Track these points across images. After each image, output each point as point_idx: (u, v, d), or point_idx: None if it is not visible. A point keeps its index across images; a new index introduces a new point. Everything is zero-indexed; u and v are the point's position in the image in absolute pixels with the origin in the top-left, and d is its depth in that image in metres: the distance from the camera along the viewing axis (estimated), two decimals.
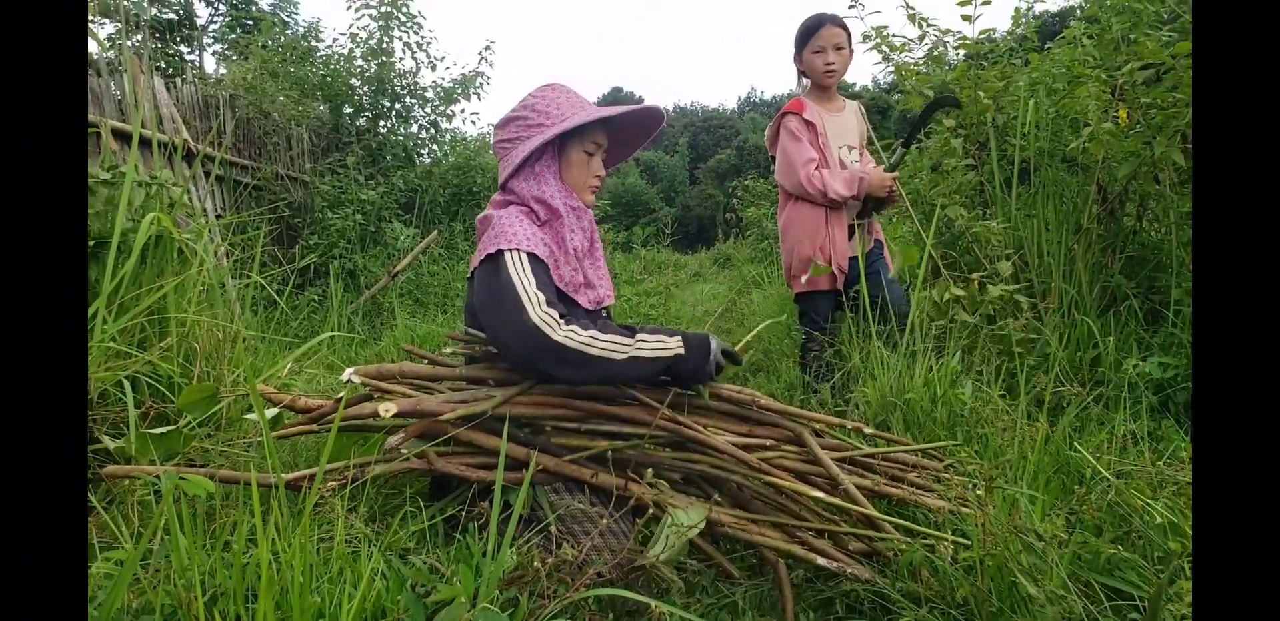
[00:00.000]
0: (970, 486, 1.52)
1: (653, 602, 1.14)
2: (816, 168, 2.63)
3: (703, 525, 1.44)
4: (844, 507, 1.53)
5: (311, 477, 1.37)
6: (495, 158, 2.03)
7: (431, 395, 1.56)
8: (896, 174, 2.60)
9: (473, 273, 1.65)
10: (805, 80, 2.79)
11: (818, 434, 1.75)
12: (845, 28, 2.67)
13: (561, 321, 1.50)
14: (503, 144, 1.75)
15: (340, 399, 1.50)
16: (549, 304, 1.52)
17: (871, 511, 1.51)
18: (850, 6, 3.13)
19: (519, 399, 1.54)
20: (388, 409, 1.43)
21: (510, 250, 1.58)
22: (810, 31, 2.65)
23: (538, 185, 1.72)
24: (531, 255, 1.59)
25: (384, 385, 1.56)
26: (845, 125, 2.74)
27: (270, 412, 1.53)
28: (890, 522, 1.50)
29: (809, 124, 2.68)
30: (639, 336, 1.54)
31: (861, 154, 2.78)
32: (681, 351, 1.54)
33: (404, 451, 1.46)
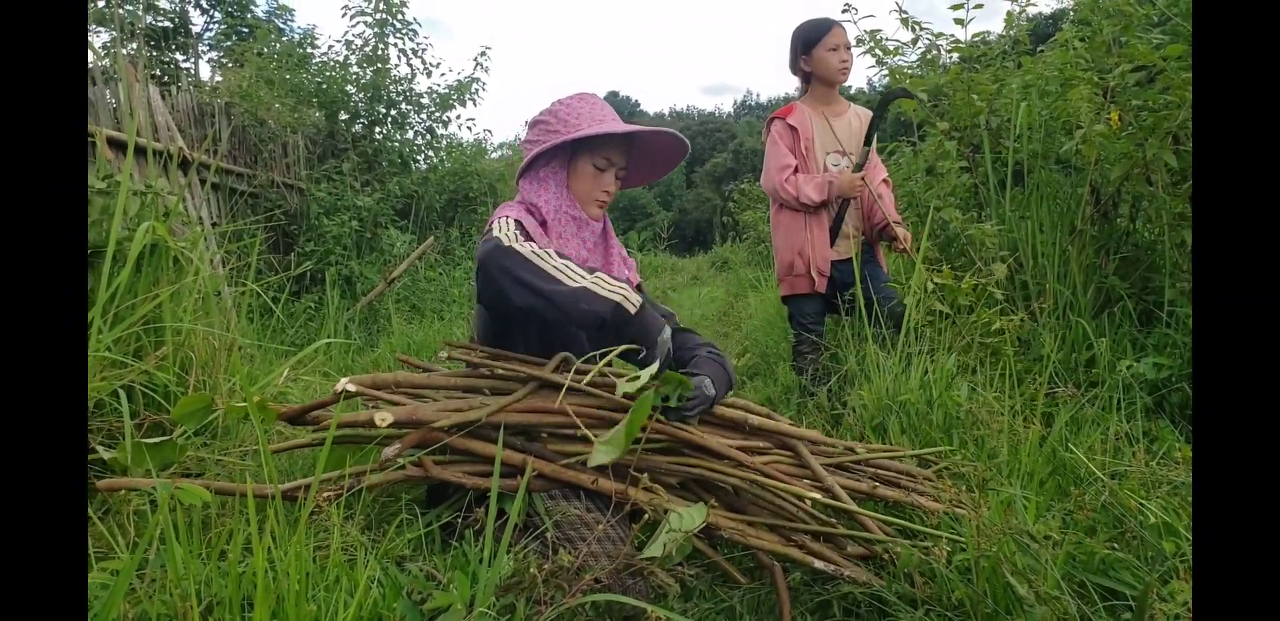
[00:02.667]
0: (965, 488, 1.53)
1: (649, 607, 1.15)
2: (793, 173, 2.66)
3: (703, 525, 1.44)
4: (840, 511, 1.54)
5: (307, 488, 1.37)
6: (501, 161, 2.07)
7: (427, 404, 1.56)
8: (864, 174, 2.61)
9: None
10: (806, 84, 2.80)
11: (813, 441, 1.76)
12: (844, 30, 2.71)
13: (522, 239, 1.55)
14: (526, 145, 1.80)
15: (334, 399, 1.50)
16: (517, 231, 1.58)
17: (854, 506, 1.52)
18: (844, 10, 3.14)
19: (514, 406, 1.54)
20: (384, 418, 1.43)
21: (500, 219, 1.65)
22: (821, 31, 2.67)
23: (537, 189, 1.76)
24: (518, 221, 1.66)
25: (380, 394, 1.56)
26: (844, 129, 2.74)
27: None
28: (885, 522, 1.51)
29: (792, 129, 2.71)
30: (598, 273, 1.54)
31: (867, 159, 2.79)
32: (632, 307, 1.52)
33: (400, 461, 1.46)
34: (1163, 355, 2.22)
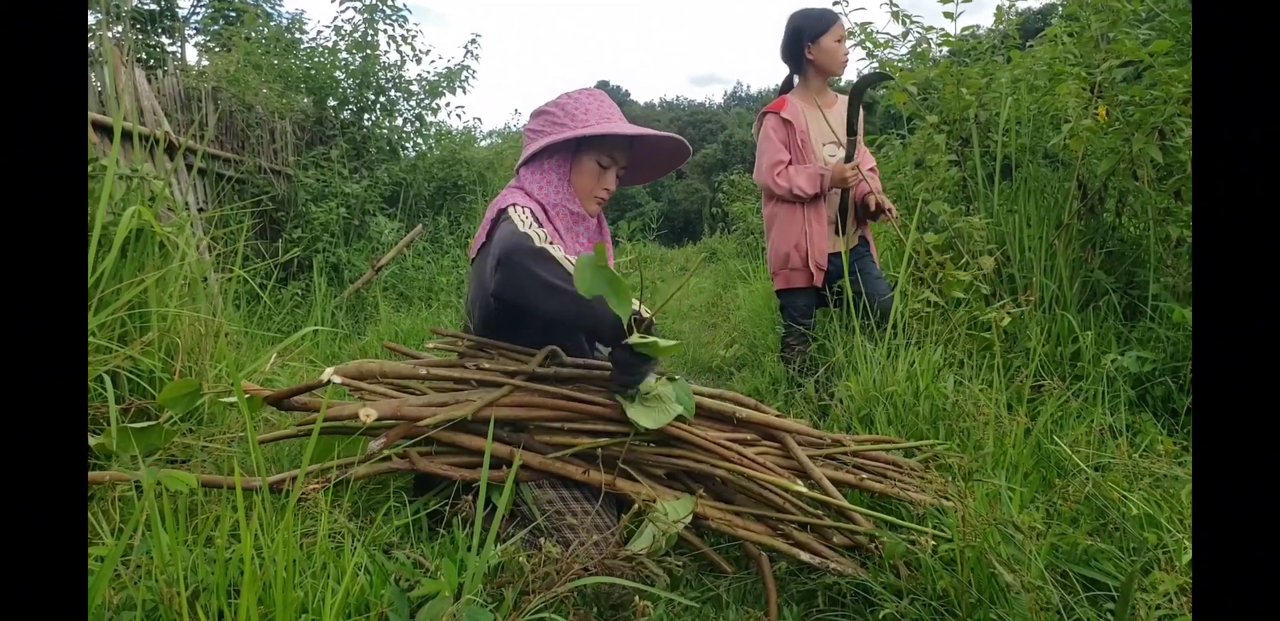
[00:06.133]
0: (950, 480, 1.54)
1: (637, 587, 1.15)
2: (785, 167, 2.64)
3: (690, 518, 1.45)
4: (826, 501, 1.54)
5: (294, 479, 1.36)
6: (490, 150, 2.07)
7: (413, 395, 1.55)
8: (856, 163, 2.59)
9: (476, 256, 1.74)
10: (802, 75, 2.77)
11: (800, 433, 1.77)
12: None
13: (547, 238, 1.57)
14: (529, 133, 1.81)
15: (323, 382, 1.49)
16: (539, 225, 1.61)
17: (842, 501, 1.52)
18: (835, 3, 3.13)
19: (502, 400, 1.54)
20: (369, 414, 1.41)
21: (513, 206, 1.68)
22: (829, 22, 2.65)
23: (539, 179, 1.77)
24: (531, 210, 1.68)
25: (364, 385, 1.55)
26: (838, 119, 2.72)
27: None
28: (872, 516, 1.52)
29: (786, 123, 2.67)
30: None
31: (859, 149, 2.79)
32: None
33: (386, 452, 1.46)
34: (1146, 349, 2.24)
